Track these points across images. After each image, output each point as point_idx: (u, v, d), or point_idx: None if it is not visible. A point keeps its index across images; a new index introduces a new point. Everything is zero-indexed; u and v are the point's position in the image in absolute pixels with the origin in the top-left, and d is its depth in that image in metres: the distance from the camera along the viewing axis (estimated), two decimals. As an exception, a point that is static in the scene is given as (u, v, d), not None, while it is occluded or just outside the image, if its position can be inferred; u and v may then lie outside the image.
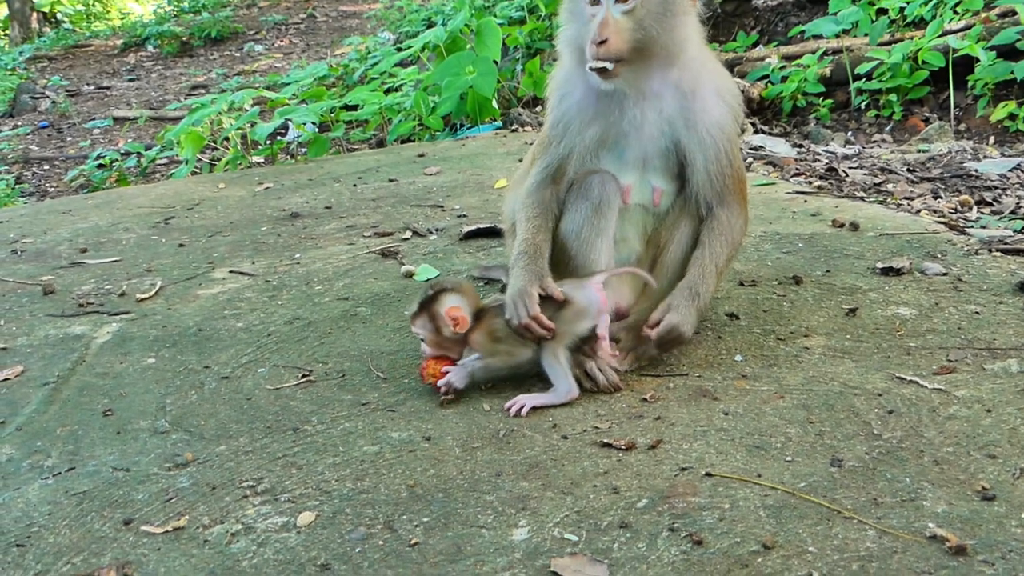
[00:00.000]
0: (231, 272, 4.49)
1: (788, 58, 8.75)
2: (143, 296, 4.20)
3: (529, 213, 3.23)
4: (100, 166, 9.91)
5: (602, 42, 2.97)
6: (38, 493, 2.63)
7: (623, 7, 2.99)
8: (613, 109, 3.15)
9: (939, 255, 3.87)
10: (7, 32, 23.87)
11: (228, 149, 8.71)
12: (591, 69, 3.02)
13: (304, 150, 8.86)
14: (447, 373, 2.99)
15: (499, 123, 8.44)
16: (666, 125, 3.14)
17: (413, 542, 2.27)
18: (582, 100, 3.20)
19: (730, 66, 8.97)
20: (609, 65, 2.99)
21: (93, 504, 2.55)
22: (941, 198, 5.27)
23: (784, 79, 8.30)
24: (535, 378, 3.06)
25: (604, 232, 3.17)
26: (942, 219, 4.59)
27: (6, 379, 3.42)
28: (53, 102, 14.76)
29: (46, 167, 11.30)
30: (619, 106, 3.14)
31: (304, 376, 3.25)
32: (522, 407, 2.88)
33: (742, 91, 7.83)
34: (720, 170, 3.16)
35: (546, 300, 2.98)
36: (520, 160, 3.59)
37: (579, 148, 3.21)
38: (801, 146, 6.94)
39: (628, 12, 3.00)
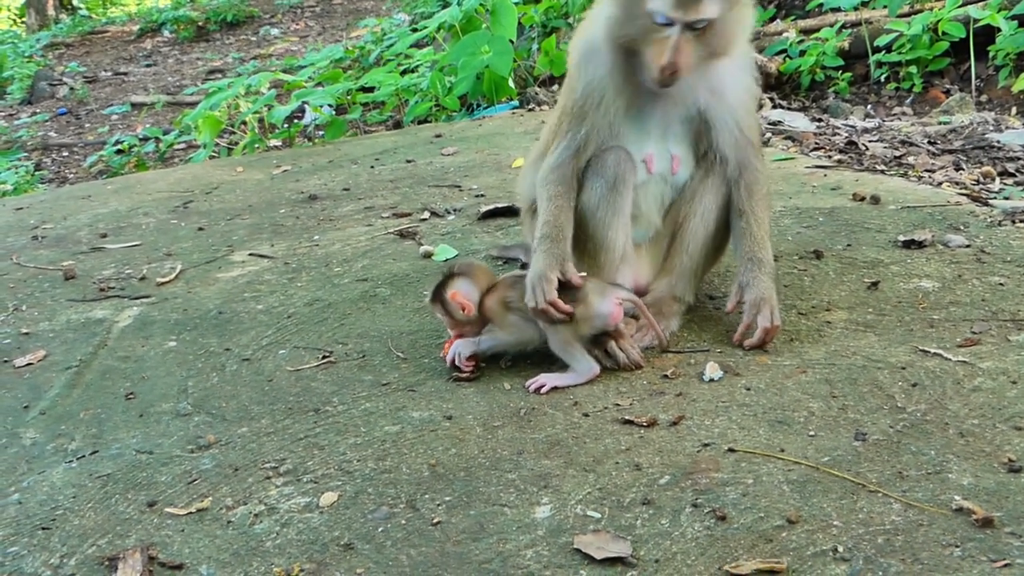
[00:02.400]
0: (250, 255, 4.50)
1: (806, 32, 8.65)
2: (163, 280, 4.22)
3: (551, 191, 3.16)
4: (119, 152, 9.94)
5: (672, 70, 2.89)
6: (62, 476, 2.65)
7: (694, 32, 2.89)
8: (641, 82, 3.08)
9: (961, 227, 3.83)
10: (24, 20, 23.97)
11: (245, 133, 8.73)
12: (656, 78, 2.94)
13: (321, 132, 8.88)
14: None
15: (516, 102, 8.41)
16: (690, 92, 3.10)
17: (436, 521, 2.27)
18: (609, 74, 3.11)
19: (748, 40, 8.89)
20: (675, 82, 2.95)
21: (117, 486, 2.57)
22: (963, 170, 5.21)
23: (802, 53, 8.21)
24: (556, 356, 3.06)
25: (620, 210, 3.15)
26: (964, 191, 4.54)
27: (29, 364, 3.44)
28: (71, 89, 14.82)
29: (65, 154, 11.35)
30: (640, 78, 3.08)
31: (324, 357, 3.26)
32: (542, 386, 2.87)
33: (760, 66, 7.81)
34: (746, 129, 3.16)
35: (564, 287, 2.96)
36: (537, 139, 3.55)
37: (604, 121, 3.15)
38: (820, 120, 6.87)
39: (698, 34, 2.90)
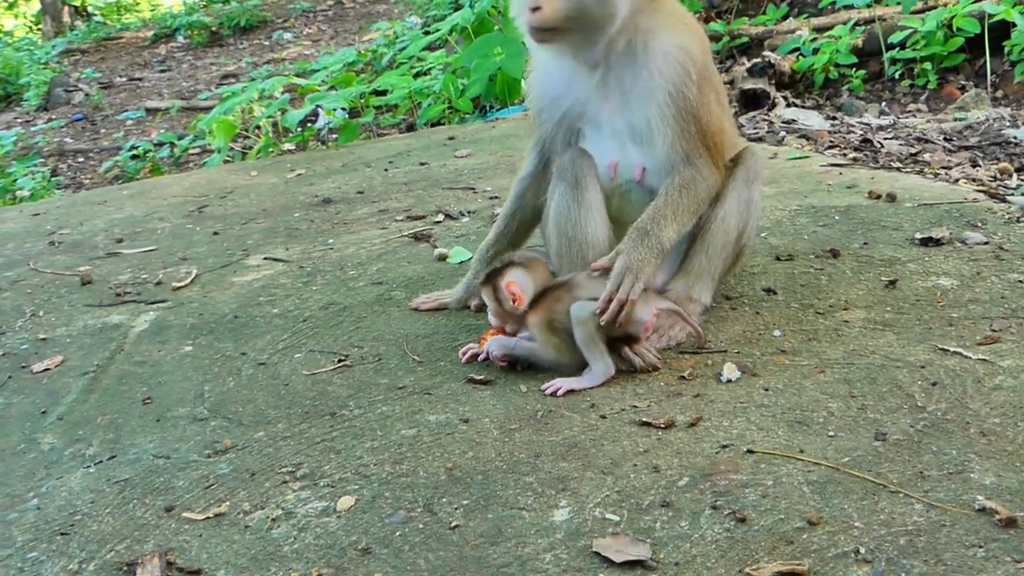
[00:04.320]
0: (265, 259, 4.51)
1: (819, 30, 8.63)
2: (179, 284, 4.23)
3: (504, 210, 3.55)
4: (134, 157, 9.98)
5: (535, 9, 2.95)
6: (80, 481, 2.65)
7: None
8: (576, 85, 3.16)
9: (979, 224, 3.80)
10: (40, 27, 24.12)
11: (259, 137, 8.74)
12: (527, 30, 3.02)
13: (335, 136, 8.88)
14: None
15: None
16: (624, 96, 3.10)
17: (454, 525, 2.26)
18: (547, 79, 3.25)
19: (760, 40, 8.89)
20: (544, 26, 2.98)
21: (135, 492, 2.57)
22: (980, 166, 5.18)
23: (815, 51, 8.18)
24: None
25: (590, 206, 3.14)
26: (981, 187, 4.51)
27: (46, 369, 3.46)
28: (86, 95, 14.89)
29: (81, 159, 11.40)
30: (580, 81, 3.16)
31: (340, 361, 3.25)
32: (558, 389, 2.86)
33: (772, 64, 7.79)
34: (678, 135, 3.07)
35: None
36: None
37: (558, 129, 3.27)
38: (834, 118, 6.84)
39: None
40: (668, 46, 3.07)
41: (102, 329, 3.80)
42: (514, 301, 2.99)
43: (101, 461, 2.76)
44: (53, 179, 9.90)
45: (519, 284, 3.00)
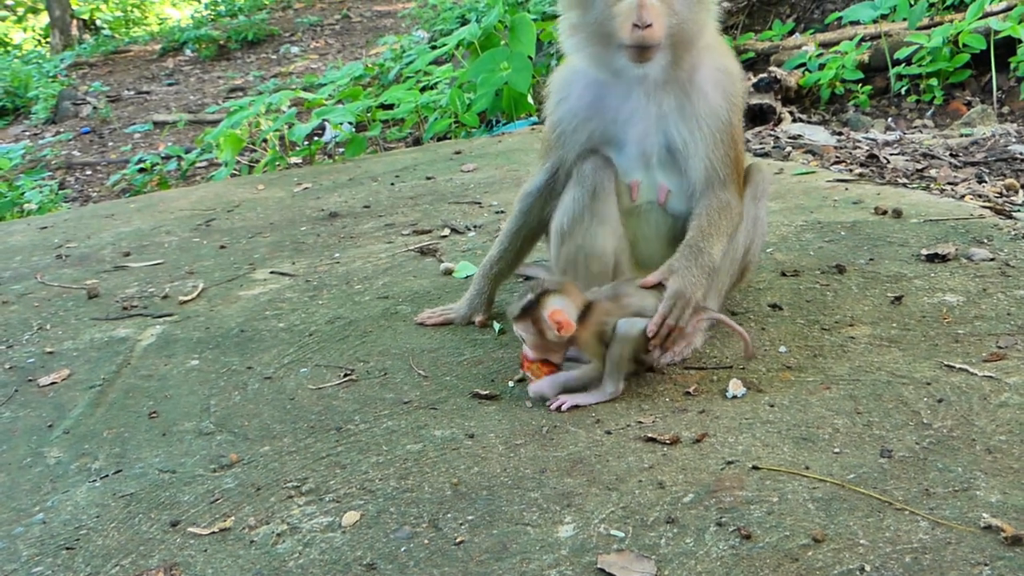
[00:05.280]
0: (272, 273, 4.52)
1: (825, 45, 8.65)
2: (186, 298, 4.24)
3: (507, 226, 3.52)
4: (141, 170, 10.00)
5: (647, 26, 2.85)
6: (86, 495, 2.66)
7: None
8: (610, 105, 3.12)
9: (985, 240, 3.80)
10: (48, 40, 24.23)
11: (266, 151, 8.77)
12: (628, 47, 2.91)
13: (342, 150, 8.91)
14: (545, 370, 2.97)
15: (535, 119, 8.41)
16: (660, 119, 3.08)
17: (459, 540, 2.26)
18: (580, 99, 3.18)
19: (766, 55, 8.90)
20: (652, 44, 2.90)
21: (140, 506, 2.57)
22: (986, 182, 5.18)
23: (821, 67, 8.20)
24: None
25: (605, 219, 3.12)
26: (987, 203, 4.51)
27: (53, 383, 3.47)
28: (94, 108, 14.96)
29: (89, 172, 11.45)
30: (617, 102, 3.11)
31: (346, 375, 3.26)
32: (563, 404, 2.86)
33: (778, 79, 7.81)
34: (716, 161, 3.07)
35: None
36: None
37: (578, 150, 3.20)
38: (840, 134, 6.85)
39: None
40: (715, 69, 3.09)
41: (109, 343, 3.81)
42: (559, 329, 2.86)
43: (107, 475, 2.76)
44: (61, 192, 9.94)
45: (563, 312, 2.87)
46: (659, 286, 2.94)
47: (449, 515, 2.37)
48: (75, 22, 23.76)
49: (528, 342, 2.95)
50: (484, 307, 3.58)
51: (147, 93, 16.20)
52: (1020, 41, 6.98)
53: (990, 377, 2.74)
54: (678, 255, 2.99)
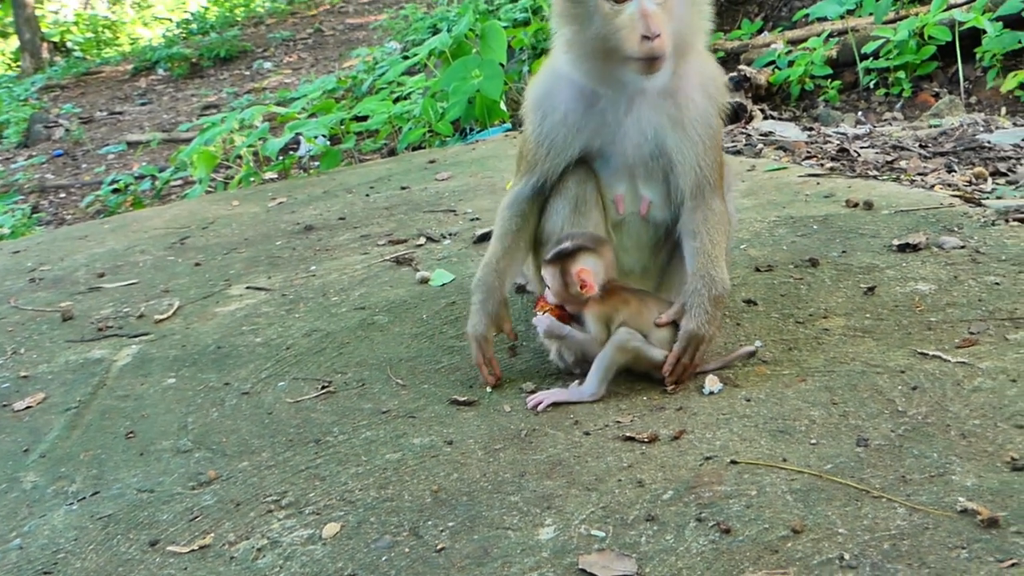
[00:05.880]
0: (247, 288, 4.50)
1: (794, 42, 8.71)
2: (161, 317, 4.22)
3: (503, 227, 3.21)
4: (115, 191, 9.97)
5: (656, 36, 2.78)
6: (63, 519, 2.64)
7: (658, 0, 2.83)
8: (599, 117, 3.04)
9: (956, 228, 3.83)
10: (19, 64, 24.10)
11: (241, 167, 8.75)
12: (638, 59, 2.83)
13: (316, 163, 8.88)
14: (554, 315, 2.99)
15: (508, 125, 8.43)
16: (651, 129, 3.02)
17: (439, 547, 2.26)
18: (568, 113, 3.06)
19: (736, 54, 8.95)
20: (662, 54, 2.83)
21: (118, 527, 2.56)
22: (955, 171, 5.22)
23: (791, 64, 8.25)
24: (555, 375, 3.07)
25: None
26: (957, 192, 4.54)
27: (28, 407, 3.44)
28: (67, 130, 14.88)
29: (62, 195, 11.38)
30: (605, 113, 3.03)
31: (324, 387, 3.25)
32: (541, 402, 2.87)
33: (748, 78, 7.85)
34: (706, 167, 3.04)
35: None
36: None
37: (563, 164, 3.10)
38: (811, 129, 6.89)
39: (661, 4, 2.83)
40: (701, 74, 3.07)
41: (84, 364, 3.78)
42: (582, 287, 2.89)
43: (84, 498, 2.74)
44: (34, 216, 9.88)
45: (592, 272, 2.89)
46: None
47: (430, 522, 2.37)
48: (45, 45, 23.65)
49: (551, 287, 2.97)
50: (501, 308, 3.16)
51: (120, 113, 16.13)
52: (984, 32, 7.04)
53: (963, 363, 2.76)
54: (690, 290, 2.95)
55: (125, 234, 6.18)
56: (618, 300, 2.95)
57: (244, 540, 2.41)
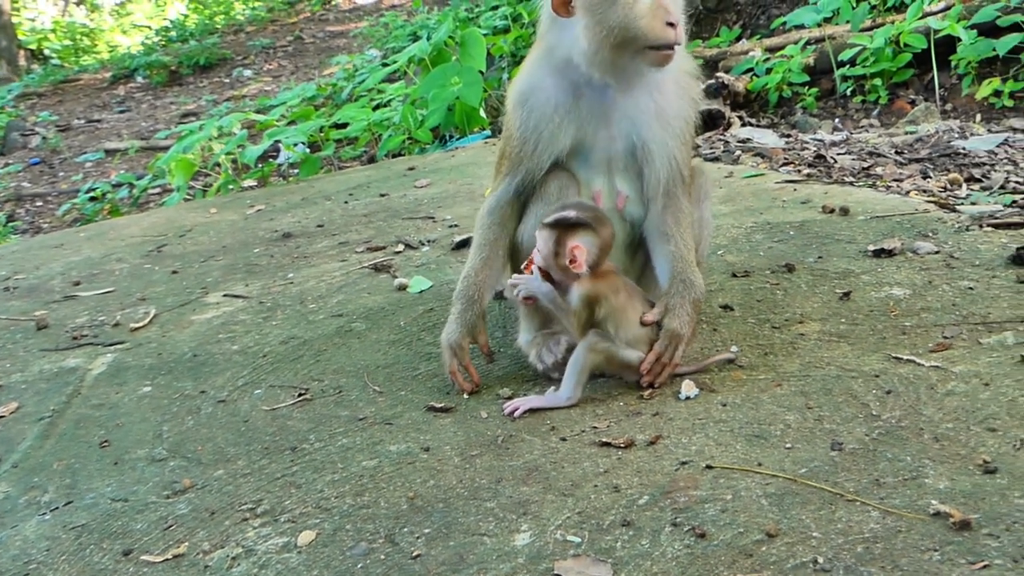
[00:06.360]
0: (225, 296, 4.48)
1: (771, 50, 8.77)
2: (137, 325, 4.19)
3: (482, 237, 3.19)
4: (92, 199, 9.90)
5: (676, 23, 2.83)
6: (36, 529, 2.61)
7: None
8: (586, 109, 3.03)
9: (930, 234, 3.86)
10: (-5, 72, 23.92)
11: (219, 174, 8.71)
12: (659, 48, 2.86)
13: (296, 171, 8.87)
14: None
15: (488, 132, 8.44)
16: (633, 121, 3.04)
17: (415, 554, 2.25)
18: (559, 106, 3.04)
19: (714, 61, 8.99)
20: (680, 42, 2.88)
21: (92, 537, 2.53)
22: (930, 178, 5.25)
23: (769, 71, 8.30)
24: (532, 381, 3.06)
25: None
26: (932, 198, 4.58)
27: (1, 416, 3.41)
28: (44, 138, 14.78)
29: (39, 203, 11.31)
30: (592, 105, 3.03)
31: (300, 395, 3.24)
32: (516, 409, 2.86)
33: (727, 85, 7.89)
34: (681, 160, 3.08)
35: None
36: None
37: (550, 160, 3.08)
38: (789, 136, 6.92)
39: None
40: (680, 69, 3.08)
41: (58, 373, 3.75)
42: (571, 262, 2.87)
43: (57, 507, 2.72)
44: (10, 224, 9.81)
45: (585, 251, 2.87)
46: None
47: (406, 529, 2.36)
48: (22, 52, 23.49)
49: (541, 251, 2.93)
50: (479, 320, 3.15)
51: (98, 121, 16.04)
52: (959, 39, 7.11)
53: (937, 367, 2.78)
54: (672, 291, 2.99)
55: (102, 242, 6.14)
56: (609, 286, 2.92)
57: (219, 549, 2.39)
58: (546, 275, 2.96)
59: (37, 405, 3.47)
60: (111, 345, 3.99)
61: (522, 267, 3.08)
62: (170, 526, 2.53)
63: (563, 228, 2.88)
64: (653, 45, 2.87)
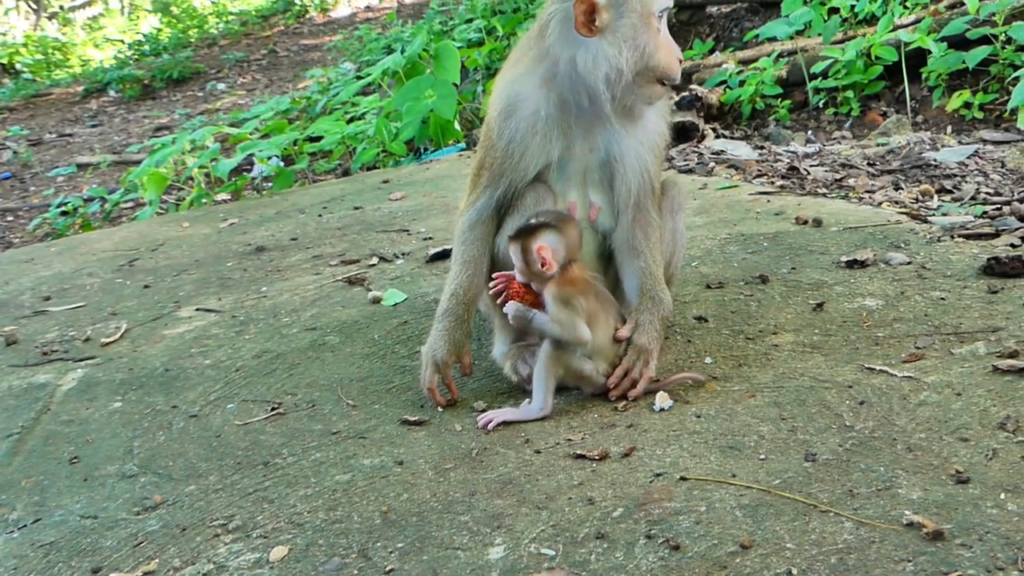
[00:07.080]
0: (197, 310, 4.44)
1: (744, 62, 8.82)
2: (108, 340, 4.15)
3: (466, 254, 3.14)
4: (63, 213, 9.79)
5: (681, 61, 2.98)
6: (3, 547, 2.57)
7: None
8: (572, 125, 3.02)
9: (902, 245, 3.88)
10: (-35, 87, 23.69)
11: (192, 188, 8.66)
12: (667, 83, 3.01)
13: (269, 184, 8.82)
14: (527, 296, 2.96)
15: (462, 145, 8.44)
16: (611, 134, 3.05)
17: (389, 569, 2.23)
18: (545, 120, 3.01)
19: (688, 74, 9.03)
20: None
21: (60, 555, 2.50)
22: (902, 189, 5.29)
23: (742, 83, 8.34)
24: (506, 394, 3.05)
25: None
26: (904, 209, 4.61)
27: (-31, 433, 3.36)
28: (15, 152, 14.63)
29: (10, 218, 11.18)
30: (579, 121, 3.02)
31: (273, 409, 3.21)
32: (490, 421, 2.85)
33: (700, 97, 7.93)
34: (653, 173, 3.12)
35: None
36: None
37: (535, 170, 3.07)
38: (762, 148, 6.96)
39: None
40: None
41: (28, 389, 3.70)
42: (542, 264, 2.88)
43: (25, 525, 2.68)
44: (-21, 240, 9.69)
45: (550, 250, 2.88)
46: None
47: (379, 544, 2.34)
48: (-7, 67, 23.29)
49: (516, 265, 2.96)
50: (465, 340, 3.13)
51: (70, 135, 15.90)
52: (929, 52, 7.18)
53: (909, 377, 2.79)
54: (642, 308, 3.03)
55: (73, 257, 6.08)
56: (579, 289, 2.93)
57: (190, 565, 2.36)
58: (529, 289, 2.97)
59: (6, 421, 3.42)
60: (81, 360, 3.95)
61: (493, 276, 3.08)
62: (140, 543, 2.50)
63: (526, 235, 2.90)
64: (662, 78, 2.97)
